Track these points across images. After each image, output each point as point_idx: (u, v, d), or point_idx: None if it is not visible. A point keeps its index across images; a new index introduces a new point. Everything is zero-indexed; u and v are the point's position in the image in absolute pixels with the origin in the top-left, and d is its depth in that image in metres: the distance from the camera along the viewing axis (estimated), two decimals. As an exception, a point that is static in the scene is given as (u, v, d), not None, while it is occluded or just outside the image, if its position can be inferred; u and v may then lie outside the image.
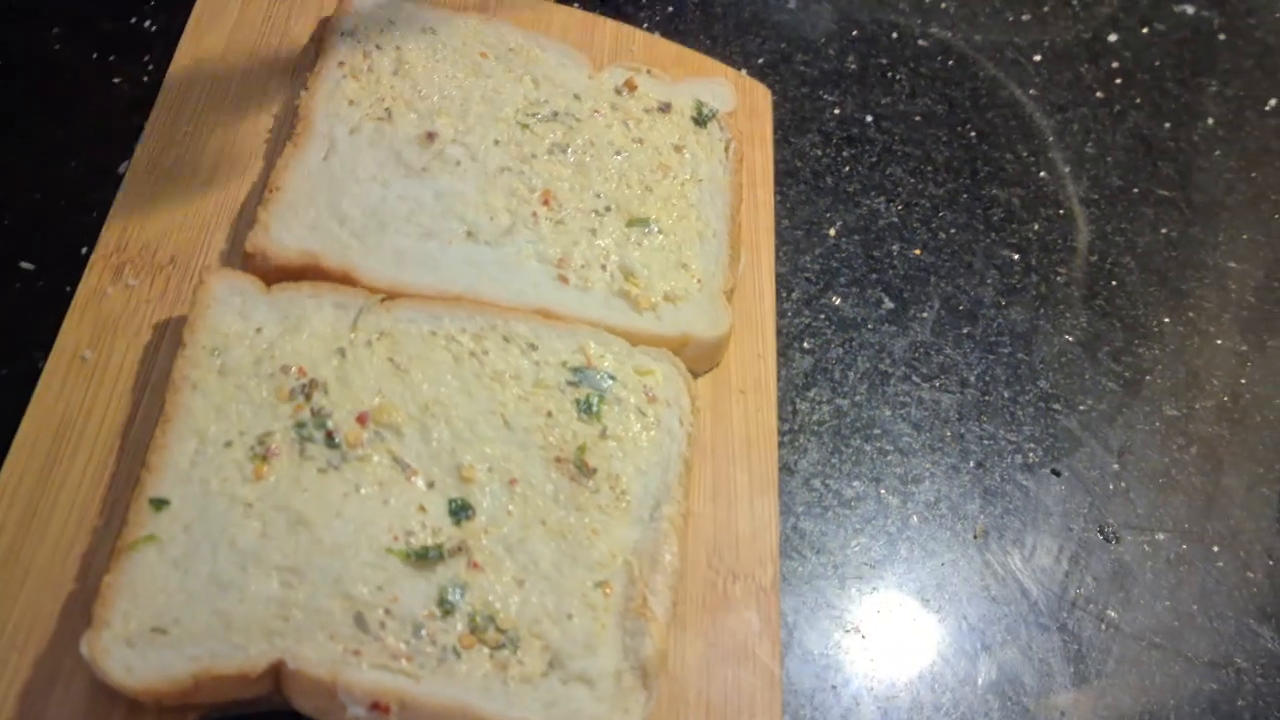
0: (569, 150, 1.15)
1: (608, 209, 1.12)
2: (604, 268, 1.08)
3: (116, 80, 1.23)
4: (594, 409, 0.99)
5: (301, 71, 1.19)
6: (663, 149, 1.19)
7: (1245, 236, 1.41)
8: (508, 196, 1.10)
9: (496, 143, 1.14)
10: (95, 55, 1.25)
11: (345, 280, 1.02)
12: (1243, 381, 1.28)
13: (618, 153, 1.17)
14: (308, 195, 1.06)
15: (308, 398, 0.94)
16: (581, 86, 1.22)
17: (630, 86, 1.23)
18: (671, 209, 1.14)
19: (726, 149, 1.21)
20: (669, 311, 1.08)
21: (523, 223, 1.09)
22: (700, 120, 1.22)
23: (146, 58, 1.25)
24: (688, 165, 1.18)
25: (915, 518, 1.11)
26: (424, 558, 0.88)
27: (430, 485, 0.92)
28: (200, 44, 1.19)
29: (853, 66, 1.47)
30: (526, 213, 1.09)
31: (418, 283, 1.03)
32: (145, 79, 1.23)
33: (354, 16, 1.19)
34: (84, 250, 1.08)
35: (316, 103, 1.12)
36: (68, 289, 1.03)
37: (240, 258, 1.03)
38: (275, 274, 1.01)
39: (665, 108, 1.22)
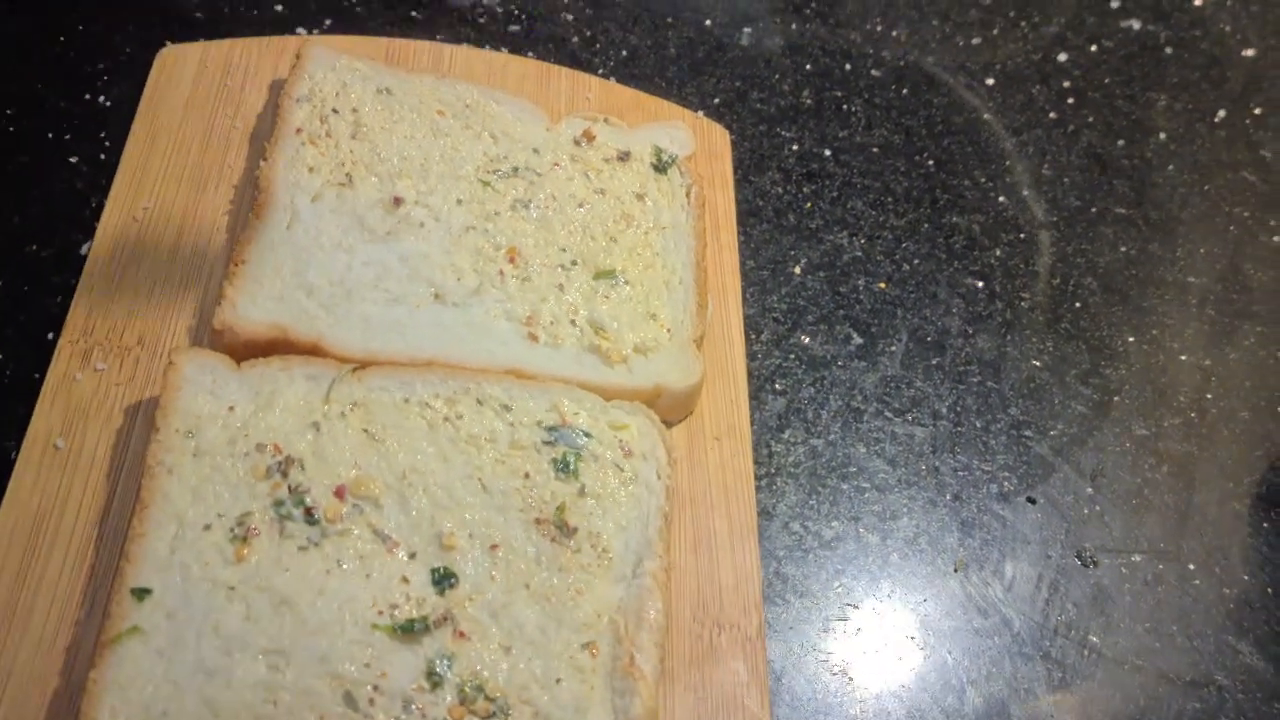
0: (531, 205, 1.16)
1: (574, 263, 1.13)
2: (573, 323, 1.09)
3: (73, 159, 1.23)
4: (571, 467, 0.99)
5: (259, 140, 1.19)
6: (624, 198, 1.20)
7: (1202, 250, 1.44)
8: (473, 256, 1.11)
9: (459, 202, 1.14)
10: (50, 135, 1.25)
11: (315, 351, 1.02)
12: (1208, 396, 1.30)
13: (580, 205, 1.17)
14: (273, 267, 1.06)
15: (284, 475, 0.94)
16: (540, 140, 1.22)
17: (589, 137, 1.23)
18: (637, 259, 1.15)
19: (688, 194, 1.22)
20: (640, 364, 1.08)
21: (489, 282, 1.09)
22: (660, 167, 1.23)
23: (103, 133, 1.25)
24: (650, 213, 1.19)
25: (895, 555, 1.12)
26: (410, 630, 0.88)
27: (412, 556, 0.92)
28: (155, 119, 1.19)
29: (809, 101, 1.48)
30: (493, 271, 1.10)
31: (387, 349, 1.04)
32: (103, 156, 1.23)
33: (308, 81, 1.19)
34: (50, 335, 1.07)
35: (276, 172, 1.12)
36: (36, 375, 1.03)
37: (208, 335, 1.03)
38: (244, 349, 1.02)
39: (624, 156, 1.23)
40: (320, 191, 1.12)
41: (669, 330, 1.11)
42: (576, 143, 1.23)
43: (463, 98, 1.23)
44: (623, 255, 1.14)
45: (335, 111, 1.18)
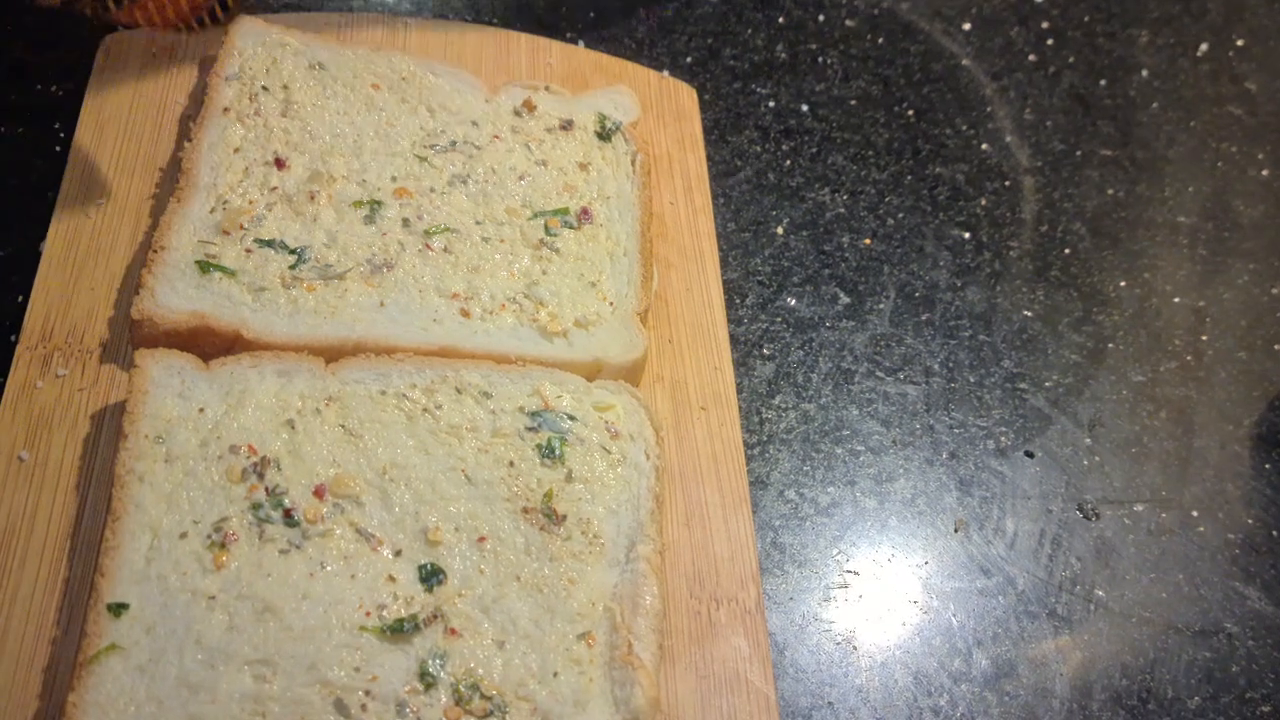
0: (470, 180, 1.12)
1: (513, 236, 1.09)
2: (511, 298, 1.05)
3: (27, 154, 1.18)
4: (556, 452, 0.96)
5: (187, 122, 1.14)
6: (567, 169, 1.16)
7: (1191, 189, 1.41)
8: (405, 233, 1.07)
9: (393, 179, 1.10)
10: (3, 129, 1.20)
11: (236, 340, 0.98)
12: (1204, 338, 1.27)
13: (521, 178, 1.13)
14: (193, 253, 1.02)
15: (260, 477, 0.90)
16: (479, 112, 1.18)
17: (529, 107, 1.19)
18: (580, 230, 1.11)
19: (633, 162, 1.18)
20: (580, 337, 1.05)
21: (422, 259, 1.05)
22: (604, 135, 1.19)
23: (56, 124, 1.20)
24: (594, 183, 1.15)
25: (894, 518, 1.10)
26: (399, 631, 0.85)
27: (397, 553, 0.89)
28: (102, 110, 1.14)
29: (783, 56, 1.44)
30: (426, 247, 1.06)
31: (314, 334, 1.00)
32: (57, 148, 1.18)
33: (236, 58, 1.14)
34: (12, 339, 1.03)
35: (200, 153, 1.08)
36: (0, 380, 0.99)
37: (129, 327, 0.99)
38: (165, 340, 0.97)
39: (567, 125, 1.19)
40: (246, 172, 1.07)
41: (611, 303, 1.08)
42: (517, 113, 1.19)
43: (398, 70, 1.19)
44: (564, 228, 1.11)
45: (265, 89, 1.13)
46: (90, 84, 1.16)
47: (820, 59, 1.45)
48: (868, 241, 1.29)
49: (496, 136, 1.16)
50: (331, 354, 0.99)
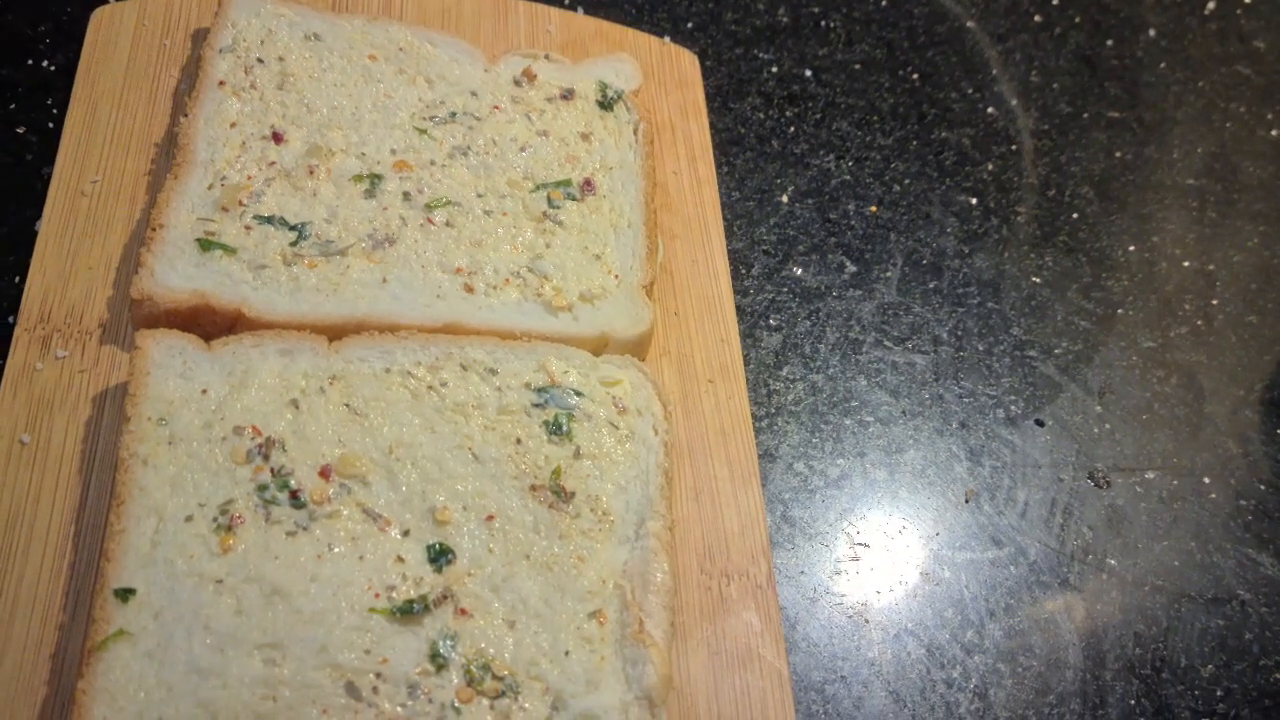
0: (470, 152, 1.10)
1: (515, 209, 1.07)
2: (515, 272, 1.04)
3: (20, 130, 1.16)
4: (564, 429, 0.95)
5: (182, 96, 1.12)
6: (569, 139, 1.14)
7: (1199, 150, 1.39)
8: (406, 207, 1.05)
9: (393, 152, 1.08)
10: (-8, 106, 1.18)
11: (238, 319, 0.97)
12: (1214, 302, 1.26)
13: (522, 149, 1.12)
14: (192, 230, 1.00)
15: (266, 458, 0.89)
16: (478, 82, 1.16)
17: (529, 76, 1.17)
18: (583, 203, 1.09)
19: (635, 131, 1.16)
20: (586, 311, 1.03)
21: (424, 234, 1.04)
22: (605, 103, 1.17)
23: (49, 100, 1.18)
24: (596, 153, 1.14)
25: (904, 489, 1.09)
26: (409, 612, 0.85)
27: (405, 534, 0.88)
28: (95, 84, 1.12)
29: (785, 19, 1.42)
30: (428, 221, 1.05)
31: (316, 312, 0.98)
32: (50, 124, 1.16)
33: (230, 30, 1.12)
34: (10, 320, 1.01)
35: (196, 128, 1.06)
36: (0, 361, 0.98)
37: (128, 306, 0.98)
38: (166, 319, 0.96)
39: (568, 94, 1.17)
40: (244, 146, 1.06)
41: (616, 276, 1.06)
42: (517, 83, 1.17)
43: (396, 40, 1.16)
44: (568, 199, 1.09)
45: (260, 61, 1.11)
46: (82, 58, 1.13)
47: (823, 22, 1.43)
48: (874, 209, 1.28)
49: (496, 107, 1.14)
50: (334, 332, 0.98)
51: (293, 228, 1.02)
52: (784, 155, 1.30)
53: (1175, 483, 1.12)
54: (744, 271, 1.20)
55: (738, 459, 1.03)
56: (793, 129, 1.33)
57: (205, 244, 0.99)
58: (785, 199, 1.27)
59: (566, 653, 0.85)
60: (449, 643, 0.84)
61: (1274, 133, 1.41)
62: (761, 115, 1.33)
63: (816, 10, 1.43)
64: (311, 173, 1.05)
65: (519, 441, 0.94)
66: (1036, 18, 1.48)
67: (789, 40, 1.40)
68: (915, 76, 1.39)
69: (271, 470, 0.89)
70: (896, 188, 1.30)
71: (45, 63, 1.21)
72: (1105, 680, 1.00)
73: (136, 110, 1.12)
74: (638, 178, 1.13)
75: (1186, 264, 1.29)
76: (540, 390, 0.96)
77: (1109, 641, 1.03)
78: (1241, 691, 1.01)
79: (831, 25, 1.42)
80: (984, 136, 1.36)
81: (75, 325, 0.99)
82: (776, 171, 1.29)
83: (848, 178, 1.30)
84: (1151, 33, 1.49)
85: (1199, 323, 1.24)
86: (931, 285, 1.23)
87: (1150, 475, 1.13)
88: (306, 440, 0.91)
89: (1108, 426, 1.15)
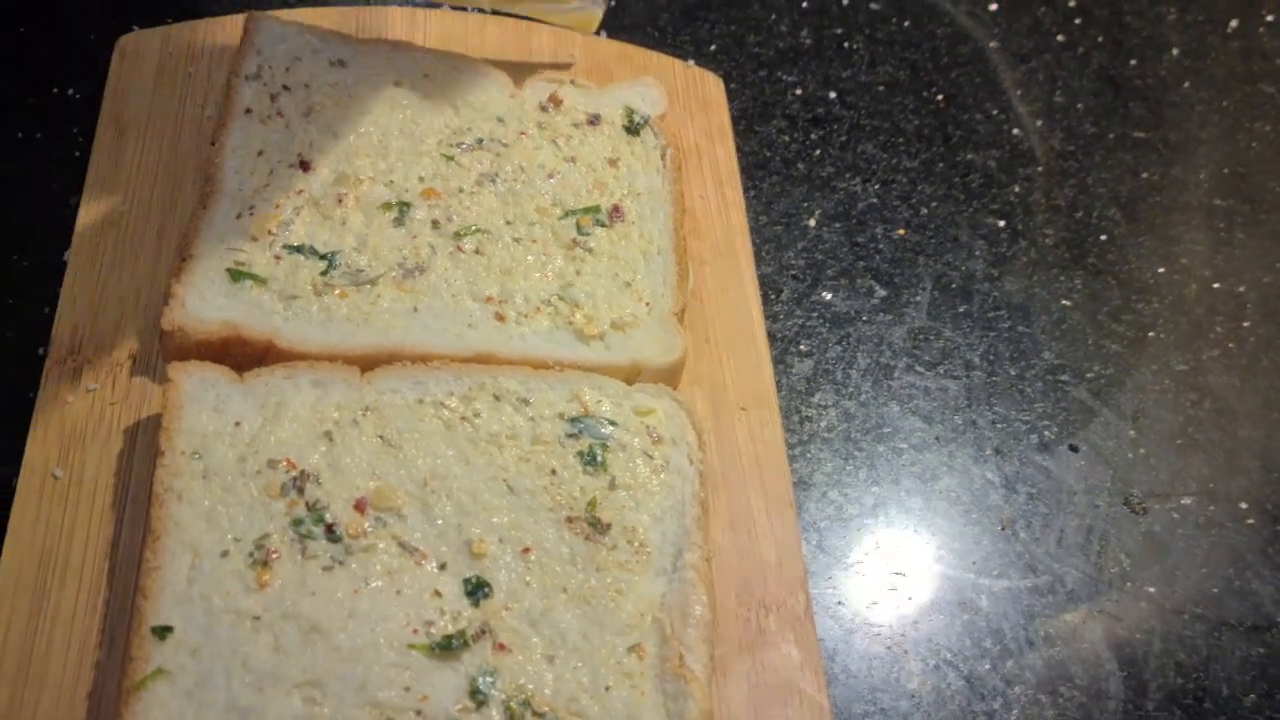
0: (498, 179, 1.09)
1: (544, 236, 1.07)
2: (546, 300, 1.03)
3: (47, 159, 1.15)
4: (599, 459, 0.94)
5: (208, 123, 1.12)
6: (596, 165, 1.13)
7: (1226, 170, 1.38)
8: (435, 235, 1.04)
9: (421, 179, 1.08)
10: (20, 134, 1.17)
11: (268, 349, 0.96)
12: (1245, 324, 1.25)
13: (550, 175, 1.11)
14: (222, 260, 1.00)
15: (300, 491, 0.88)
16: (504, 108, 1.15)
17: (555, 101, 1.16)
18: (612, 229, 1.09)
19: (663, 156, 1.15)
20: (618, 340, 1.03)
21: (454, 262, 1.03)
22: (632, 128, 1.16)
23: (75, 129, 1.18)
24: (624, 179, 1.13)
25: (939, 517, 1.08)
26: (448, 648, 0.84)
27: (442, 567, 0.87)
28: (121, 113, 1.11)
29: (808, 41, 1.41)
30: (458, 249, 1.04)
31: (348, 342, 0.98)
32: (76, 153, 1.16)
33: (256, 57, 1.12)
34: (40, 351, 1.00)
35: (224, 157, 1.05)
36: (30, 395, 0.96)
37: (158, 338, 0.97)
38: (197, 351, 0.95)
39: (594, 120, 1.16)
40: (272, 175, 1.05)
41: (647, 304, 1.05)
42: (543, 108, 1.16)
43: (421, 66, 1.16)
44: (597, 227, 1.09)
45: (286, 88, 1.11)
46: (107, 86, 1.13)
47: (846, 44, 1.42)
48: (901, 232, 1.27)
49: (523, 133, 1.14)
50: (366, 362, 0.97)
51: (323, 257, 1.01)
52: (810, 179, 1.30)
53: (1212, 508, 1.11)
54: (773, 296, 1.19)
55: (773, 488, 1.02)
56: (818, 152, 1.32)
57: (236, 274, 0.98)
58: (812, 223, 1.26)
59: (607, 688, 0.84)
60: (489, 679, 0.83)
61: (1300, 152, 1.41)
62: (787, 138, 1.33)
63: (839, 32, 1.43)
64: (340, 201, 1.05)
65: (554, 472, 0.93)
66: (1059, 37, 1.47)
67: (812, 62, 1.39)
68: (940, 97, 1.39)
69: (306, 504, 0.88)
70: (924, 210, 1.29)
71: (70, 90, 1.21)
72: (1148, 710, 0.99)
73: (162, 138, 1.11)
74: (666, 203, 1.12)
75: (1216, 285, 1.28)
76: (574, 420, 0.95)
77: (1150, 671, 1.01)
78: (1284, 721, 1.00)
79: (854, 47, 1.42)
80: (1009, 158, 1.35)
81: (105, 357, 0.98)
82: (803, 195, 1.28)
83: (874, 200, 1.29)
84: (1175, 52, 1.48)
85: (1231, 345, 1.23)
86: (962, 309, 1.22)
87: (1186, 501, 1.12)
88: (341, 473, 0.90)
89: (1142, 451, 1.14)
